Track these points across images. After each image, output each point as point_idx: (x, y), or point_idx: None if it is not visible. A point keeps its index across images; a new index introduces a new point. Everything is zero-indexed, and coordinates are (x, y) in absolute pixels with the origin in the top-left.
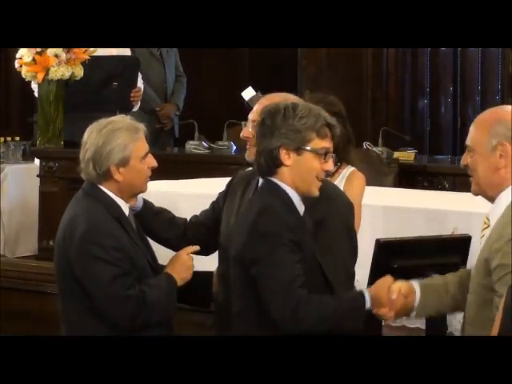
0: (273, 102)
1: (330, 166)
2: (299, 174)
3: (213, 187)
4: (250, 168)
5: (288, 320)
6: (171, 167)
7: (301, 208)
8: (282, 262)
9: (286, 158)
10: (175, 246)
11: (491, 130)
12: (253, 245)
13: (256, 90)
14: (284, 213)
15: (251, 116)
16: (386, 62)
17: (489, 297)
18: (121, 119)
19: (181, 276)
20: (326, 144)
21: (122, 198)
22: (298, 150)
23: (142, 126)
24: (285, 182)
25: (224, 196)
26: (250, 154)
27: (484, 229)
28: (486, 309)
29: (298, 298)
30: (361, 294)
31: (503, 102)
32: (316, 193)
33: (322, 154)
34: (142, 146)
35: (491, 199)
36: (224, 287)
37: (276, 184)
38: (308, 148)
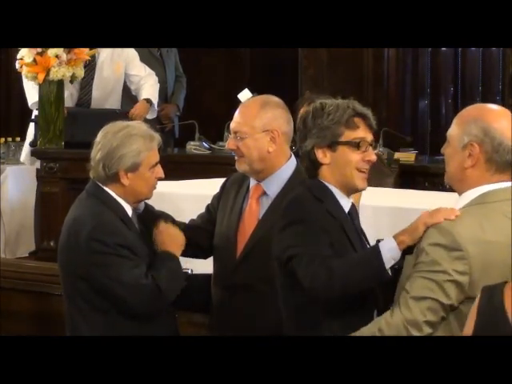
0: (250, 107)
1: (370, 155)
2: (338, 169)
3: (213, 188)
4: None
5: (324, 288)
6: (172, 168)
7: (345, 203)
8: (312, 241)
9: (323, 156)
10: None
11: (466, 128)
12: (283, 237)
13: (252, 92)
14: (310, 203)
15: (233, 126)
16: (387, 62)
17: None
18: (138, 125)
19: (176, 247)
20: (360, 134)
21: (125, 201)
22: (331, 146)
23: (157, 136)
24: (327, 180)
25: (218, 198)
26: (239, 165)
27: None
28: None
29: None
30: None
31: (504, 102)
32: (362, 185)
33: (356, 145)
34: (154, 155)
35: (459, 194)
36: (222, 287)
37: (319, 181)
38: (339, 142)
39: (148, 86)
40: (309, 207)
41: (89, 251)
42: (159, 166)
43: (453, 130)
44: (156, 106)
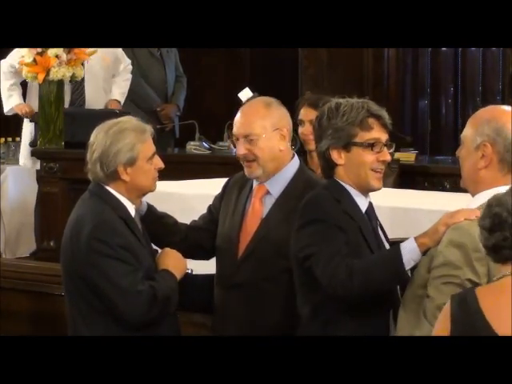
0: (257, 108)
1: (385, 156)
2: (353, 170)
3: (214, 188)
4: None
5: (345, 287)
6: (172, 168)
7: (363, 203)
8: (330, 240)
9: (337, 157)
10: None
11: (479, 128)
12: (301, 235)
13: (253, 91)
14: (328, 203)
15: (241, 130)
16: (387, 62)
17: (420, 292)
18: (128, 120)
19: (178, 269)
20: (374, 135)
21: (128, 199)
22: (346, 147)
23: (148, 127)
24: (343, 180)
25: (220, 198)
26: (252, 171)
27: None
28: (414, 302)
29: (349, 266)
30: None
31: (504, 102)
32: (377, 185)
33: (369, 146)
34: (149, 146)
35: (472, 196)
36: (224, 287)
37: (336, 182)
38: (354, 143)
39: (120, 81)
40: (327, 207)
41: (88, 250)
42: (157, 157)
43: (466, 132)
44: (122, 104)
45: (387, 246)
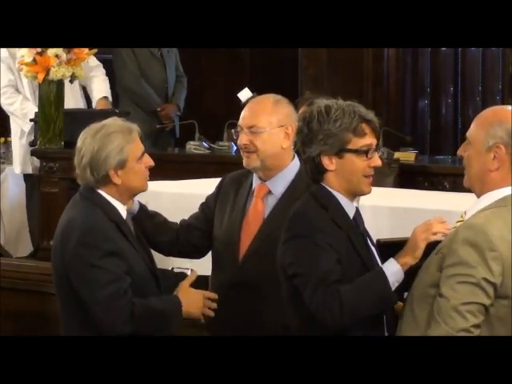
0: (265, 103)
1: (376, 161)
2: (345, 176)
3: (213, 188)
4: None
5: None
6: (171, 167)
7: (350, 209)
8: (317, 260)
9: (329, 163)
10: (167, 250)
11: (491, 130)
12: (287, 250)
13: (253, 91)
14: (315, 215)
15: (247, 121)
16: (387, 62)
17: (432, 292)
18: (112, 122)
19: (188, 308)
20: (367, 141)
21: (120, 201)
22: (339, 153)
23: (135, 126)
24: (332, 186)
25: (215, 197)
26: (250, 162)
27: (458, 221)
28: (425, 302)
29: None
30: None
31: (504, 102)
32: (367, 190)
33: (364, 152)
34: (138, 146)
35: (478, 196)
36: (225, 286)
37: (324, 188)
38: (347, 149)
39: (100, 80)
40: (314, 220)
41: (76, 256)
42: (146, 155)
43: (474, 133)
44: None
45: (374, 250)
